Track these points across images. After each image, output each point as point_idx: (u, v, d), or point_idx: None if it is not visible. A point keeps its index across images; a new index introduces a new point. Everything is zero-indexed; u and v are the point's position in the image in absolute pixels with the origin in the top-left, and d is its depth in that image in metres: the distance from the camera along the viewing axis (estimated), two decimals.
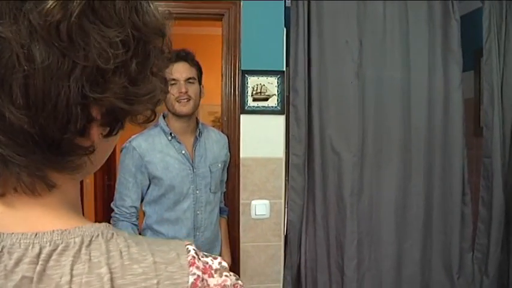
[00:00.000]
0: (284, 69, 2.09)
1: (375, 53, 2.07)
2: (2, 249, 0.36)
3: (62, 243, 0.37)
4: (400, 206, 2.10)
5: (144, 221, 1.82)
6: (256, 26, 2.06)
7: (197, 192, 1.77)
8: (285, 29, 2.09)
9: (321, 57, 2.04)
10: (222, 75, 2.09)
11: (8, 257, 0.36)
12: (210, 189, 1.80)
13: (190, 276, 0.40)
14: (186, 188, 1.74)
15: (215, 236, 1.88)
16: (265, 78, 2.06)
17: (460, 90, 2.09)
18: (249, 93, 2.06)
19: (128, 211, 1.71)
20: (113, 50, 0.36)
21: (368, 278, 2.08)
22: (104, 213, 3.54)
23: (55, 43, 0.33)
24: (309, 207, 2.08)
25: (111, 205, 1.76)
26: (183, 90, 1.72)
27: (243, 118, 2.07)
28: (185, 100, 1.73)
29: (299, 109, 2.01)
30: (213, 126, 2.49)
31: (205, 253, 0.45)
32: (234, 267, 2.04)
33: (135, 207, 1.74)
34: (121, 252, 0.39)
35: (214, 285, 0.42)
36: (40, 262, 0.36)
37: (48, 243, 0.37)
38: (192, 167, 1.77)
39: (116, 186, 1.76)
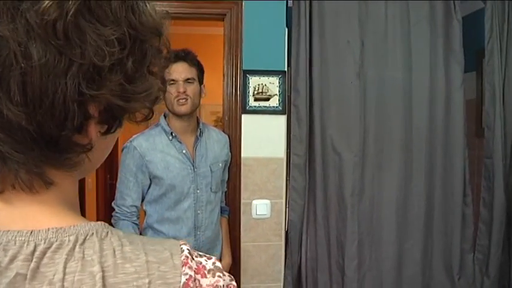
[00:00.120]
0: (286, 69, 2.09)
1: (377, 53, 2.07)
2: None
3: (56, 241, 0.38)
4: (401, 206, 2.10)
5: (145, 220, 1.82)
6: (258, 26, 2.06)
7: (198, 191, 1.77)
8: (286, 29, 2.09)
9: (322, 57, 2.04)
10: (223, 75, 2.10)
11: (3, 254, 0.36)
12: (210, 188, 1.81)
13: (182, 276, 0.40)
14: (186, 188, 1.75)
15: (216, 235, 1.88)
16: (267, 78, 2.07)
17: (462, 91, 2.09)
18: (251, 93, 2.06)
19: (128, 210, 1.72)
20: (109, 48, 0.36)
21: (369, 278, 2.08)
22: (105, 212, 3.55)
23: (52, 41, 0.34)
24: (309, 207, 2.09)
25: (112, 204, 1.77)
26: (181, 90, 1.72)
27: (245, 118, 2.07)
28: (183, 100, 1.74)
29: (300, 109, 2.02)
30: (215, 126, 2.50)
31: (200, 253, 0.45)
32: (235, 266, 2.05)
33: (136, 207, 1.75)
34: (114, 251, 0.39)
35: (207, 285, 0.42)
36: (34, 259, 0.36)
37: (42, 241, 0.37)
38: (193, 166, 1.78)
39: (117, 185, 1.77)
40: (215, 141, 1.91)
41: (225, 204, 2.05)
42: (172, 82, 1.74)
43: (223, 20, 2.08)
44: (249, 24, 2.06)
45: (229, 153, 2.01)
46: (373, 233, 2.09)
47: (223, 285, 0.43)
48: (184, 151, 1.77)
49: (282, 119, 2.09)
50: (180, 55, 1.74)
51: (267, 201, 2.08)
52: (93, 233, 0.40)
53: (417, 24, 2.08)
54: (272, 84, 2.07)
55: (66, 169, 0.40)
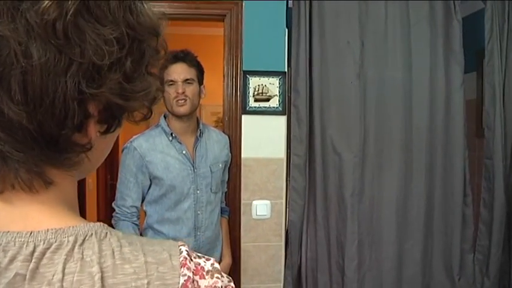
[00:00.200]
0: (286, 69, 2.09)
1: (377, 54, 2.07)
2: None
3: (55, 241, 0.38)
4: (401, 207, 2.10)
5: (145, 221, 1.83)
6: (258, 27, 2.06)
7: (198, 192, 1.77)
8: (286, 30, 2.10)
9: (322, 58, 2.04)
10: (223, 75, 2.10)
11: (2, 255, 0.37)
12: (210, 189, 1.81)
13: (181, 277, 0.40)
14: (186, 188, 1.75)
15: (216, 235, 1.88)
16: (267, 78, 2.07)
17: (462, 91, 2.09)
18: (251, 94, 2.07)
19: (128, 211, 1.73)
20: (108, 47, 0.37)
21: (369, 278, 2.08)
22: (106, 212, 3.55)
23: (52, 41, 0.34)
24: (309, 208, 2.09)
25: (112, 205, 1.78)
26: (180, 91, 1.72)
27: (245, 118, 2.07)
28: (182, 101, 1.74)
29: (300, 109, 2.02)
30: (216, 127, 2.50)
31: (199, 254, 0.45)
32: (235, 267, 2.05)
33: (136, 207, 1.75)
34: (113, 252, 0.39)
35: (205, 286, 0.42)
36: (33, 260, 0.37)
37: (42, 242, 0.38)
38: (193, 167, 1.78)
39: (117, 186, 1.77)
40: (215, 142, 1.91)
41: (225, 205, 2.05)
42: (171, 83, 1.75)
43: (223, 21, 2.08)
44: (249, 25, 2.06)
45: (230, 154, 2.02)
46: (373, 233, 2.09)
47: (221, 287, 0.43)
48: (184, 152, 1.78)
49: (282, 120, 2.10)
50: (179, 56, 1.75)
51: (267, 202, 2.08)
52: (92, 234, 0.40)
53: (417, 24, 2.09)
54: (272, 85, 2.08)
55: (65, 168, 0.40)
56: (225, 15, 2.06)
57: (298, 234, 2.06)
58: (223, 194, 2.03)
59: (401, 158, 2.09)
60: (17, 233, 0.38)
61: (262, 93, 2.07)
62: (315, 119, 2.04)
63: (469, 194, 2.12)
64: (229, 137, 2.04)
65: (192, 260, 0.43)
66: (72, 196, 0.44)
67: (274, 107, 2.08)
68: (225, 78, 2.09)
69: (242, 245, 2.08)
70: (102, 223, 0.42)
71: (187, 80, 1.75)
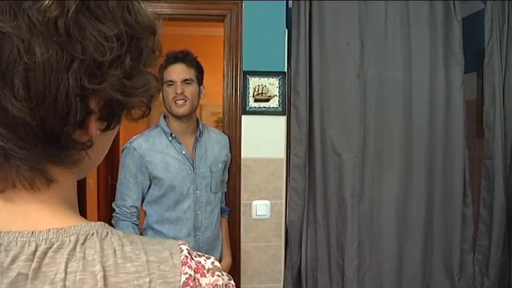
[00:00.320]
0: (285, 70, 2.10)
1: (376, 54, 2.07)
2: None
3: (57, 241, 0.38)
4: (401, 207, 2.10)
5: (145, 221, 1.83)
6: (257, 27, 2.07)
7: (197, 192, 1.78)
8: (286, 30, 2.10)
9: (322, 58, 2.04)
10: (223, 76, 2.10)
11: (4, 255, 0.37)
12: (210, 189, 1.81)
13: (182, 275, 0.41)
14: (186, 188, 1.75)
15: (216, 235, 1.89)
16: (267, 79, 2.07)
17: (462, 91, 2.09)
18: (251, 94, 2.07)
19: (128, 211, 1.73)
20: (109, 43, 0.37)
21: (369, 278, 2.08)
22: (106, 212, 3.56)
23: (54, 38, 0.35)
24: (309, 208, 2.09)
25: (112, 205, 1.78)
26: (179, 91, 1.73)
27: (244, 119, 2.08)
28: (182, 101, 1.74)
29: (300, 110, 2.02)
30: (216, 127, 2.50)
31: (199, 253, 0.46)
32: (235, 267, 2.05)
33: (136, 207, 1.76)
34: (115, 251, 0.40)
35: (206, 284, 0.43)
36: (35, 259, 0.37)
37: (44, 241, 0.38)
38: (193, 167, 1.78)
39: (117, 186, 1.78)
40: (215, 142, 1.91)
41: (225, 205, 2.06)
42: (170, 83, 1.75)
43: (223, 21, 2.08)
44: (249, 25, 2.06)
45: (229, 154, 2.02)
46: (373, 234, 2.09)
47: (222, 284, 0.44)
48: (183, 152, 1.78)
49: (281, 120, 2.10)
50: (178, 56, 1.76)
51: (267, 202, 2.08)
52: (93, 233, 0.40)
53: (417, 24, 2.09)
54: (272, 85, 2.08)
55: (66, 166, 0.41)
56: (225, 16, 2.07)
57: (298, 235, 2.06)
58: (223, 194, 2.04)
59: (401, 158, 2.09)
60: (19, 233, 0.38)
61: (262, 93, 2.07)
62: (315, 119, 2.04)
63: (469, 194, 2.12)
64: (229, 137, 2.04)
65: (192, 258, 0.43)
66: (72, 195, 0.45)
67: (274, 107, 2.08)
68: (225, 78, 2.09)
69: (242, 245, 2.08)
70: (102, 222, 0.42)
71: (186, 80, 1.76)
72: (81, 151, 0.41)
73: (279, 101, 2.09)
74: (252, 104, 2.07)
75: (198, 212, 1.78)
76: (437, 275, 2.14)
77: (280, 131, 2.10)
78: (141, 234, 1.80)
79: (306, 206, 2.06)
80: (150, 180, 1.75)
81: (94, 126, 0.41)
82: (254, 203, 2.07)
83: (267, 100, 2.08)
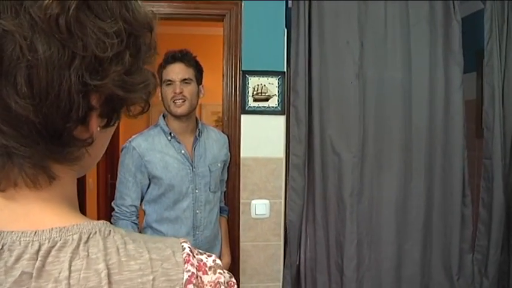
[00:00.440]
0: (285, 69, 2.10)
1: (376, 54, 2.07)
2: (2, 246, 0.38)
3: (60, 240, 0.39)
4: (400, 207, 2.10)
5: (144, 220, 1.84)
6: (257, 27, 2.07)
7: (196, 191, 1.78)
8: (285, 30, 2.10)
9: (321, 58, 2.04)
10: (223, 75, 2.10)
11: (8, 254, 0.37)
12: (209, 188, 1.82)
13: (185, 273, 0.41)
14: (185, 188, 1.76)
15: (215, 235, 1.89)
16: (266, 78, 2.07)
17: (461, 91, 2.09)
18: (250, 94, 2.07)
19: (127, 210, 1.73)
20: (109, 40, 0.38)
21: (367, 278, 2.08)
22: (106, 211, 3.56)
23: (55, 35, 0.35)
24: (308, 208, 2.09)
25: (112, 204, 1.79)
26: (178, 91, 1.73)
27: (244, 118, 2.08)
28: (180, 101, 1.75)
29: (299, 109, 2.02)
30: (216, 126, 2.50)
31: (200, 250, 0.46)
32: (234, 266, 2.05)
33: (135, 206, 1.76)
34: (118, 249, 0.40)
35: (208, 282, 0.43)
36: (39, 258, 0.37)
37: (47, 241, 0.38)
38: (192, 166, 1.79)
39: (116, 185, 1.78)
40: (214, 141, 1.92)
41: (225, 204, 2.06)
42: (169, 83, 1.76)
43: (222, 21, 2.08)
44: (249, 25, 2.06)
45: (229, 153, 2.02)
46: (372, 233, 2.09)
47: (224, 282, 0.44)
48: (183, 151, 1.78)
49: (281, 120, 2.10)
50: (177, 56, 1.76)
51: (266, 201, 2.08)
52: (96, 232, 0.41)
53: (417, 24, 2.09)
54: (271, 85, 2.08)
55: (68, 163, 0.41)
56: (225, 15, 2.07)
57: (297, 234, 2.06)
58: (223, 194, 2.04)
59: (400, 158, 2.09)
60: (22, 233, 0.38)
61: (261, 93, 2.07)
62: (314, 119, 2.05)
63: (468, 194, 2.12)
64: (228, 137, 2.05)
65: (194, 256, 0.44)
66: (73, 194, 0.46)
67: (273, 107, 2.09)
68: (224, 77, 2.10)
69: (241, 244, 2.08)
70: (104, 221, 0.43)
71: (185, 79, 1.76)
72: (81, 148, 0.41)
73: (278, 101, 2.09)
74: (251, 103, 2.08)
75: (197, 211, 1.78)
76: (436, 274, 2.14)
77: (280, 130, 2.10)
78: (140, 233, 1.80)
79: (305, 205, 2.07)
80: (149, 180, 1.76)
81: (95, 122, 0.41)
82: (253, 202, 2.08)
83: (266, 100, 2.08)
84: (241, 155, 2.07)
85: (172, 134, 1.78)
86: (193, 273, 0.42)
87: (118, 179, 1.78)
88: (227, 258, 1.98)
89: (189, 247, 0.44)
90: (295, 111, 2.03)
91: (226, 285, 0.45)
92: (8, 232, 0.38)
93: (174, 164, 1.75)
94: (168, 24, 3.17)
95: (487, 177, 2.09)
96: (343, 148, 2.04)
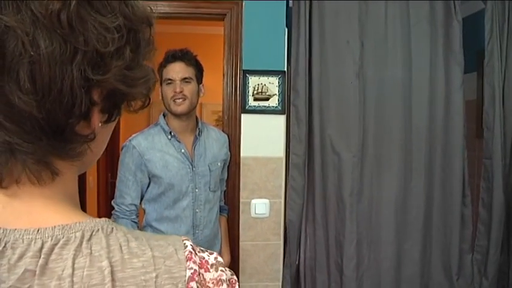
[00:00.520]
0: (285, 69, 2.10)
1: (376, 54, 2.07)
2: (5, 244, 0.38)
3: (63, 237, 0.39)
4: (400, 207, 2.10)
5: (144, 219, 1.84)
6: (257, 26, 2.07)
7: (196, 190, 1.78)
8: (286, 29, 2.10)
9: (322, 58, 2.04)
10: (223, 74, 2.11)
11: (11, 252, 0.37)
12: (209, 187, 1.82)
13: (187, 271, 0.42)
14: (185, 187, 1.76)
15: (215, 234, 1.89)
16: (266, 78, 2.08)
17: (461, 91, 2.09)
18: (250, 93, 2.07)
19: (127, 209, 1.74)
20: (110, 35, 0.38)
21: (367, 278, 2.08)
22: (106, 210, 3.56)
23: (57, 30, 0.36)
24: (308, 207, 2.09)
25: (112, 203, 1.79)
26: (178, 90, 1.74)
27: (244, 117, 2.08)
28: (180, 100, 1.75)
29: (300, 109, 2.02)
30: (217, 125, 2.50)
31: (202, 248, 0.47)
32: (234, 265, 2.06)
33: (135, 205, 1.76)
34: (121, 247, 0.40)
35: (210, 279, 0.44)
36: (42, 256, 0.38)
37: (50, 238, 0.39)
38: (192, 165, 1.79)
39: (116, 184, 1.78)
40: (214, 141, 1.92)
41: (224, 203, 2.06)
42: (169, 82, 1.76)
43: (223, 20, 2.08)
44: (249, 24, 2.06)
45: (229, 153, 2.03)
46: (372, 233, 2.09)
47: (225, 279, 0.45)
48: (183, 150, 1.78)
49: (281, 119, 2.10)
50: (177, 55, 1.76)
51: (266, 201, 2.09)
52: (98, 229, 0.41)
53: (417, 24, 2.08)
54: (272, 84, 2.08)
55: (70, 159, 0.42)
56: (225, 15, 2.07)
57: (296, 234, 2.06)
58: (222, 193, 2.04)
59: (400, 158, 2.09)
60: (25, 230, 0.39)
61: (261, 92, 2.08)
62: (314, 119, 2.05)
63: (468, 195, 2.11)
64: (228, 136, 2.05)
65: (196, 253, 0.44)
66: (74, 191, 0.46)
67: (273, 106, 2.09)
68: (225, 77, 2.10)
69: (241, 243, 2.08)
70: (106, 219, 0.43)
71: (185, 78, 1.76)
72: (84, 144, 0.42)
73: (278, 100, 2.09)
74: (251, 102, 2.08)
75: (197, 210, 1.79)
76: (436, 274, 2.14)
77: (280, 130, 2.10)
78: None
79: (305, 205, 2.07)
80: (149, 179, 1.76)
81: (97, 118, 0.41)
82: (253, 201, 2.08)
83: (267, 99, 2.08)
84: (241, 154, 2.07)
85: (172, 133, 1.78)
86: (195, 270, 0.42)
87: (118, 178, 1.78)
88: (227, 257, 1.98)
89: (191, 245, 0.45)
90: (296, 110, 2.03)
91: (228, 282, 0.45)
92: (10, 230, 0.39)
93: (174, 163, 1.76)
94: (168, 23, 3.17)
95: (487, 177, 2.09)
96: (343, 148, 2.04)
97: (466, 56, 2.08)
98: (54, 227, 0.39)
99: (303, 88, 2.01)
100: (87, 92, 0.39)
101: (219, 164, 1.89)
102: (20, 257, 0.37)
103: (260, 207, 2.08)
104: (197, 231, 1.79)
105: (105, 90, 0.41)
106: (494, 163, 2.04)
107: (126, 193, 1.74)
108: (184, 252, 0.43)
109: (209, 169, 1.83)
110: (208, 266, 0.44)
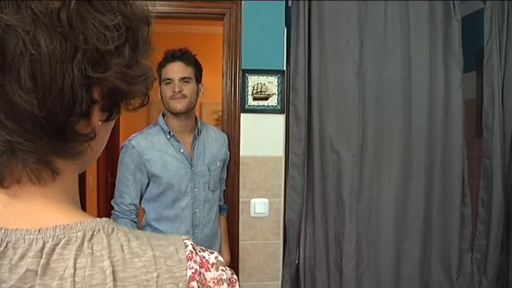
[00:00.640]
0: (284, 68, 2.10)
1: (376, 53, 2.07)
2: (6, 244, 0.38)
3: (64, 237, 0.39)
4: (399, 206, 2.10)
5: (143, 218, 1.84)
6: (257, 26, 2.07)
7: (195, 190, 1.78)
8: (285, 29, 2.10)
9: (321, 57, 2.04)
10: (222, 74, 2.11)
11: (12, 252, 0.38)
12: (208, 187, 1.82)
13: (188, 270, 0.42)
14: (184, 186, 1.76)
15: (214, 233, 1.89)
16: (266, 77, 2.08)
17: (461, 91, 2.09)
18: (250, 92, 2.07)
19: (127, 208, 1.74)
20: (110, 33, 0.39)
21: (367, 277, 2.08)
22: (106, 210, 3.56)
23: (57, 29, 0.36)
24: (308, 206, 2.09)
25: (111, 202, 1.79)
26: (177, 89, 1.74)
27: (243, 117, 2.08)
28: (179, 99, 1.75)
29: (299, 108, 2.02)
30: (216, 125, 2.50)
31: (202, 247, 0.47)
32: (233, 264, 2.06)
33: (134, 205, 1.76)
34: (122, 246, 0.41)
35: (211, 278, 0.44)
36: (44, 256, 0.38)
37: (51, 238, 0.39)
38: (191, 165, 1.79)
39: (116, 184, 1.78)
40: (213, 140, 1.92)
41: (224, 203, 2.06)
42: (168, 81, 1.76)
43: (222, 20, 2.08)
44: (248, 24, 2.07)
45: (228, 152, 2.03)
46: (372, 232, 2.09)
47: (226, 278, 0.45)
48: (182, 150, 1.78)
49: (280, 118, 2.10)
50: (176, 54, 1.76)
51: (266, 200, 2.09)
52: (99, 229, 0.41)
53: (417, 24, 2.08)
54: (271, 84, 2.08)
55: (71, 158, 0.42)
56: (225, 14, 2.07)
57: (296, 233, 2.06)
58: (222, 192, 2.04)
59: (400, 158, 2.09)
60: (26, 230, 0.39)
61: (261, 91, 2.08)
62: (314, 118, 2.05)
63: (468, 194, 2.12)
64: (228, 135, 2.05)
65: (197, 253, 0.44)
66: (75, 190, 0.46)
67: (272, 106, 2.09)
68: (224, 76, 2.10)
69: (240, 243, 2.08)
70: (107, 218, 0.43)
71: (184, 78, 1.76)
72: (84, 143, 0.42)
73: (277, 100, 2.09)
74: (250, 102, 2.08)
75: (196, 210, 1.79)
76: (436, 274, 2.14)
77: (279, 129, 2.10)
78: None
79: (304, 204, 2.07)
80: (149, 178, 1.76)
81: (97, 116, 0.42)
82: (253, 201, 2.08)
83: (266, 98, 2.08)
84: (241, 153, 2.07)
85: (171, 133, 1.78)
86: (196, 270, 0.42)
87: (117, 178, 1.78)
88: (226, 256, 1.98)
89: (191, 244, 0.45)
90: (295, 110, 2.03)
91: (228, 281, 0.45)
92: (12, 230, 0.39)
93: (173, 162, 1.76)
94: (167, 23, 3.17)
95: (486, 176, 2.09)
96: (343, 147, 2.04)
97: (465, 56, 2.08)
98: (56, 226, 0.39)
99: (302, 87, 2.01)
100: (88, 91, 0.39)
101: (218, 163, 1.89)
102: (22, 257, 0.37)
103: (259, 206, 2.08)
104: (196, 231, 1.79)
105: (105, 88, 0.41)
106: (493, 162, 2.04)
107: (126, 193, 1.74)
108: (185, 251, 0.43)
109: (208, 169, 1.83)
110: (209, 266, 0.44)
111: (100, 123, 0.43)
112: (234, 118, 2.08)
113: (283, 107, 2.10)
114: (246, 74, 2.07)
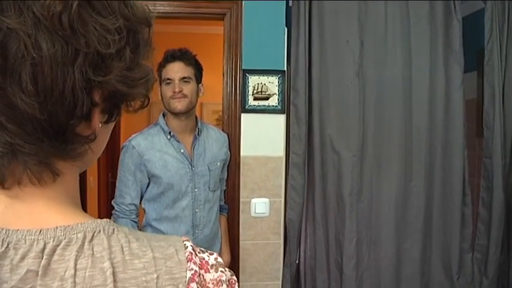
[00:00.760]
0: (285, 68, 2.10)
1: (376, 53, 2.07)
2: (7, 245, 0.38)
3: (65, 238, 0.39)
4: (400, 206, 2.10)
5: (144, 218, 1.84)
6: (257, 26, 2.07)
7: (196, 190, 1.78)
8: (286, 29, 2.10)
9: (321, 57, 2.04)
10: (223, 74, 2.11)
11: (13, 252, 0.38)
12: (209, 187, 1.82)
13: (188, 271, 0.42)
14: (184, 186, 1.76)
15: (214, 233, 1.89)
16: (266, 77, 2.08)
17: (461, 91, 2.09)
18: (250, 92, 2.07)
19: (127, 208, 1.74)
20: (111, 36, 0.39)
21: (367, 277, 2.08)
22: (107, 210, 3.56)
23: (59, 32, 0.36)
24: (308, 206, 2.09)
25: (112, 202, 1.79)
26: (177, 89, 1.74)
27: (244, 117, 2.08)
28: (180, 99, 1.75)
29: (299, 108, 2.02)
30: (217, 125, 2.50)
31: (202, 249, 0.47)
32: (234, 264, 2.06)
33: (135, 205, 1.77)
34: (122, 248, 0.41)
35: (211, 279, 0.44)
36: (45, 256, 0.38)
37: (52, 239, 0.39)
38: (191, 165, 1.79)
39: (116, 184, 1.79)
40: (214, 140, 1.92)
41: (224, 203, 2.06)
42: (168, 81, 1.76)
43: (223, 20, 2.08)
44: (249, 24, 2.07)
45: (228, 152, 2.03)
46: (372, 232, 2.09)
47: (225, 280, 0.45)
48: (182, 150, 1.79)
49: (281, 118, 2.10)
50: (176, 55, 1.76)
51: (266, 200, 2.09)
52: (100, 230, 0.41)
53: (417, 24, 2.08)
54: (271, 84, 2.08)
55: (71, 159, 0.42)
56: (225, 14, 2.07)
57: (296, 233, 2.06)
58: (222, 192, 2.04)
59: (400, 157, 2.09)
60: (27, 231, 0.39)
61: (261, 91, 2.08)
62: (314, 118, 2.05)
63: (468, 194, 2.11)
64: (228, 135, 2.05)
65: (197, 254, 0.44)
66: (75, 191, 0.46)
67: (273, 106, 2.09)
68: (225, 76, 2.10)
69: (241, 243, 2.08)
70: (108, 219, 0.44)
71: (184, 78, 1.76)
72: (85, 144, 0.42)
73: (278, 100, 2.09)
74: (251, 102, 2.08)
75: (196, 210, 1.79)
76: (436, 274, 2.14)
77: (280, 129, 2.10)
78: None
79: (304, 204, 2.07)
80: (149, 178, 1.76)
81: (97, 118, 0.42)
82: (253, 201, 2.08)
83: (267, 98, 2.08)
84: (241, 153, 2.07)
85: (171, 133, 1.79)
86: (196, 271, 0.42)
87: (118, 178, 1.78)
88: (227, 256, 1.98)
89: (191, 245, 0.45)
90: (295, 110, 2.03)
91: (227, 283, 0.45)
92: (13, 230, 0.39)
93: (174, 163, 1.76)
94: (168, 23, 3.17)
95: (487, 176, 2.09)
96: (343, 147, 2.04)
97: (466, 55, 2.08)
98: (56, 227, 0.40)
99: (303, 87, 2.01)
100: (89, 93, 0.39)
101: (218, 163, 1.89)
102: (23, 258, 0.37)
103: (260, 206, 2.08)
104: (197, 231, 1.79)
105: (106, 91, 0.41)
106: (494, 162, 2.04)
107: (126, 193, 1.74)
108: (185, 253, 0.43)
109: (208, 169, 1.83)
110: (209, 267, 0.45)
111: (100, 125, 0.43)
112: (234, 118, 2.08)
113: (284, 107, 2.10)
114: (247, 74, 2.07)
